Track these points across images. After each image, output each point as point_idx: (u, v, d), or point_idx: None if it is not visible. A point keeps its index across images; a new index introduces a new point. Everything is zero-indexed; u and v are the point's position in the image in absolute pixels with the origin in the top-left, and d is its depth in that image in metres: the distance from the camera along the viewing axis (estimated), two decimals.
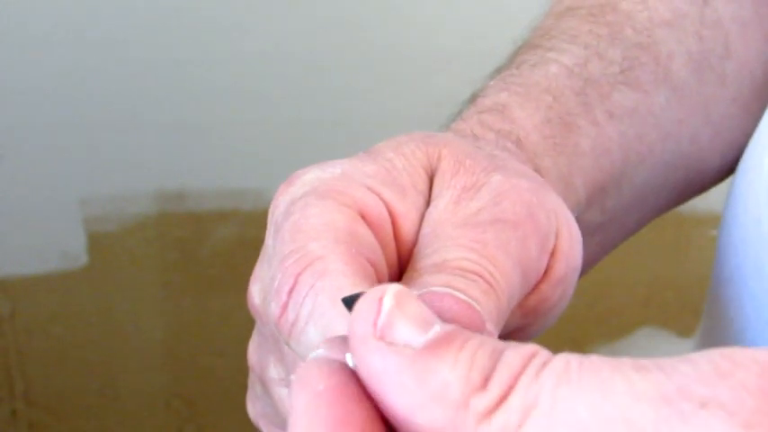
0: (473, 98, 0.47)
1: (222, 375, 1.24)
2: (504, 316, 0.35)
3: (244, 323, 1.36)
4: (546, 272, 0.37)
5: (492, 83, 0.47)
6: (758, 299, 0.46)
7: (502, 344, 0.26)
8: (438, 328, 0.27)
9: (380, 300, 0.27)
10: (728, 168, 0.55)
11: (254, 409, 0.42)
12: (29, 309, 1.21)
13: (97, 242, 1.20)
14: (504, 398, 0.25)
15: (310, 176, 0.38)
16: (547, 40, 0.50)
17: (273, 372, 0.38)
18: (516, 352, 0.26)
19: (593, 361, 0.25)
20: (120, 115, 1.15)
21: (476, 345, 0.26)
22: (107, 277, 1.21)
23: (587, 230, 0.45)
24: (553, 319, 0.39)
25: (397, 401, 0.26)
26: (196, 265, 1.22)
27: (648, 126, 0.49)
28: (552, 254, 0.37)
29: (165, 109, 1.16)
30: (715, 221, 1.21)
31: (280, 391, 0.38)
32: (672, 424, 0.24)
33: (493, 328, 0.33)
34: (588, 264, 0.44)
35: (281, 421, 0.39)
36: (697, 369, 0.25)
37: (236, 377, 1.30)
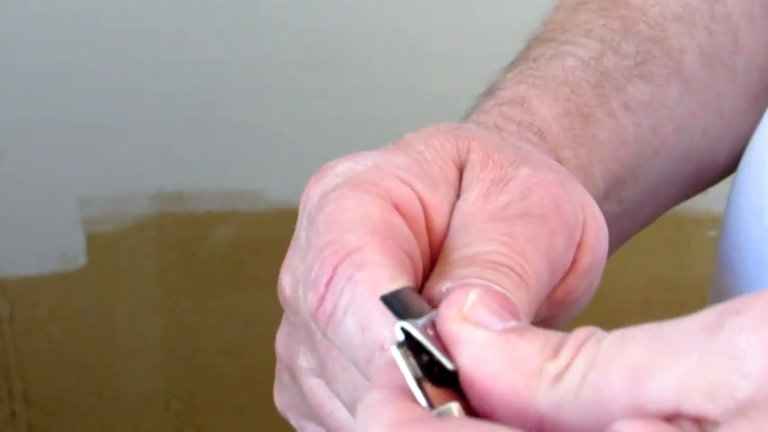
0: (491, 91, 0.47)
1: (221, 376, 1.25)
2: (534, 309, 0.35)
3: (243, 324, 1.36)
4: (572, 264, 0.38)
5: (509, 76, 0.48)
6: (761, 289, 0.46)
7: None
8: (514, 323, 0.30)
9: (467, 294, 0.30)
10: (735, 162, 0.55)
11: (281, 399, 0.42)
12: (28, 309, 1.21)
13: (96, 243, 1.20)
14: (570, 362, 0.28)
15: (342, 168, 0.38)
16: (561, 34, 0.50)
17: (303, 361, 0.38)
18: (581, 329, 0.29)
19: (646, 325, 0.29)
20: (120, 116, 1.15)
21: (547, 330, 0.30)
22: (106, 278, 1.21)
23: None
24: (578, 311, 0.39)
25: (481, 370, 0.29)
26: (195, 265, 1.22)
27: (663, 119, 0.50)
28: (579, 246, 0.38)
29: (165, 110, 1.16)
30: (714, 222, 1.21)
31: (310, 381, 0.38)
32: (713, 334, 0.27)
33: (525, 320, 0.34)
34: None
35: (309, 411, 0.39)
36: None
37: (236, 378, 1.31)
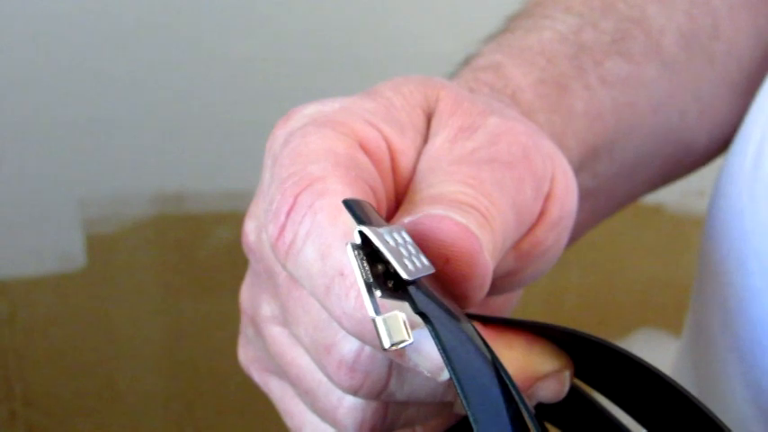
0: (467, 60, 0.47)
1: (221, 377, 1.25)
2: (499, 254, 0.35)
3: None
4: (540, 215, 0.38)
5: (486, 46, 0.48)
6: (740, 292, 0.46)
7: None
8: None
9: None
10: (715, 149, 0.56)
11: (245, 354, 0.42)
12: (27, 310, 1.21)
13: (96, 244, 1.20)
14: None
15: (309, 110, 0.38)
16: (541, 10, 0.51)
17: (266, 309, 0.38)
18: None
19: None
20: (120, 116, 1.15)
21: None
22: (106, 279, 1.21)
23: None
24: (547, 266, 0.39)
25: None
26: (195, 266, 1.22)
27: (640, 96, 0.50)
28: (547, 197, 0.38)
29: (165, 110, 1.16)
30: None
31: (272, 329, 0.38)
32: None
33: (489, 258, 0.34)
34: (577, 231, 0.44)
35: (272, 364, 0.39)
36: None
37: (235, 378, 1.31)
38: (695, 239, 1.23)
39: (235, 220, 1.20)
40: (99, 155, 1.16)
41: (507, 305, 0.43)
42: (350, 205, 0.32)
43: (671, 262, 1.24)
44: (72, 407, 1.25)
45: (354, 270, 0.30)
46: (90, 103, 1.14)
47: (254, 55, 1.15)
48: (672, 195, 1.20)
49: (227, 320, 1.23)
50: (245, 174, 1.19)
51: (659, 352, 1.23)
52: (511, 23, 0.50)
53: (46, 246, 1.19)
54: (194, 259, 1.22)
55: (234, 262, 1.21)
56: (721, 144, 0.55)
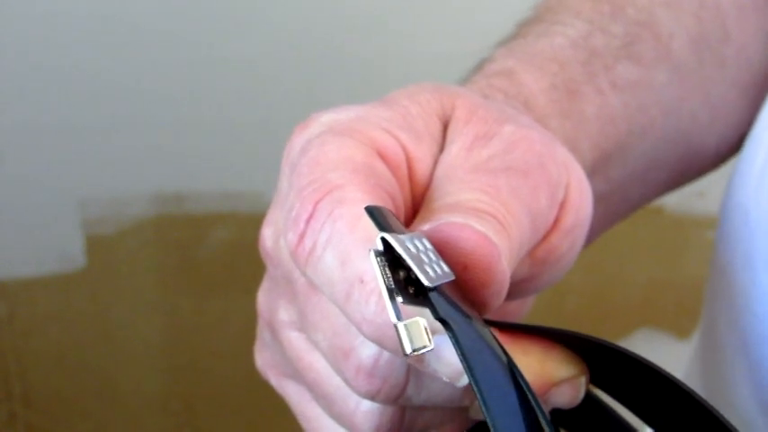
0: (480, 65, 0.47)
1: (220, 377, 1.25)
2: (515, 261, 0.35)
3: (242, 325, 1.37)
4: (555, 223, 0.38)
5: (498, 51, 0.48)
6: (748, 290, 0.47)
7: None
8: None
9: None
10: (726, 152, 0.56)
11: (261, 358, 0.42)
12: (27, 311, 1.21)
13: (95, 244, 1.20)
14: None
15: (326, 118, 0.38)
16: (551, 15, 0.51)
17: (284, 314, 0.38)
18: None
19: None
20: (119, 117, 1.15)
21: None
22: (105, 279, 1.21)
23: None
24: (561, 272, 0.39)
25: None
26: (194, 267, 1.22)
27: (650, 100, 0.50)
28: (562, 205, 0.38)
29: (164, 111, 1.16)
30: (712, 224, 1.21)
31: (289, 334, 0.38)
32: None
33: (507, 266, 0.34)
34: (591, 235, 0.44)
35: (288, 368, 0.39)
36: None
37: (234, 379, 1.31)
38: (695, 239, 1.23)
39: (234, 220, 1.20)
40: (99, 155, 1.16)
41: (521, 310, 0.43)
42: (372, 212, 0.32)
43: (671, 262, 1.24)
44: (71, 407, 1.25)
45: (377, 276, 0.30)
46: (90, 103, 1.14)
47: (253, 55, 1.15)
48: (672, 195, 1.20)
49: (226, 320, 1.23)
50: (245, 174, 1.19)
51: (659, 352, 1.23)
52: (522, 29, 0.50)
53: (46, 246, 1.19)
54: (194, 259, 1.22)
55: (233, 262, 1.21)
56: (732, 147, 0.55)
